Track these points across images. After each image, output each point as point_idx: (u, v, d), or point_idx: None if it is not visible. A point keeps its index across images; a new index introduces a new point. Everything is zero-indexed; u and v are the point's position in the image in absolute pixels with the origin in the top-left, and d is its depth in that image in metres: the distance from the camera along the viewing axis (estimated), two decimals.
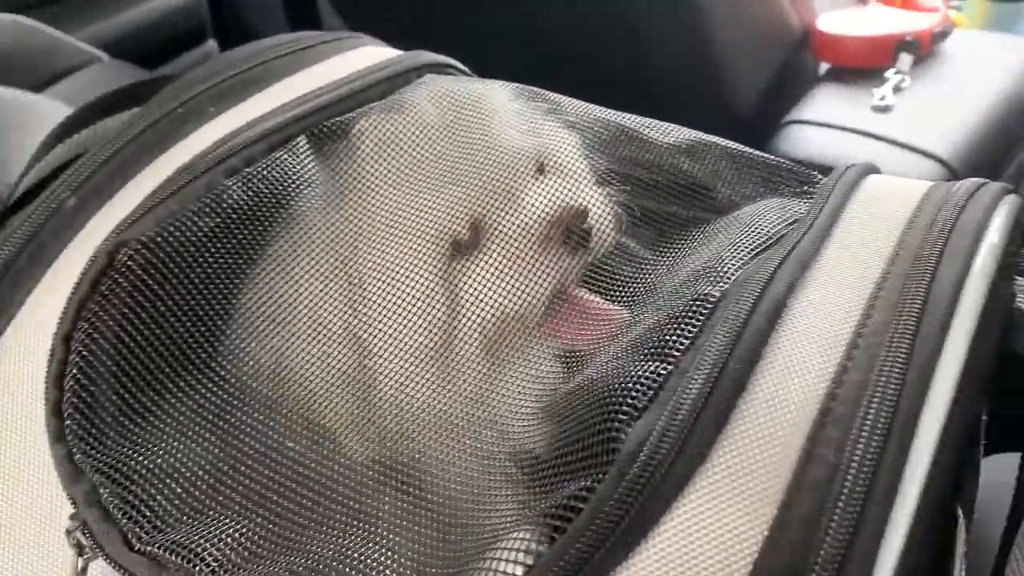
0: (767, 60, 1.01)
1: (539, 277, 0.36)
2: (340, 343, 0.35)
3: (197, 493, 0.31)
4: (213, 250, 0.36)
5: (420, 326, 0.35)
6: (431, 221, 0.36)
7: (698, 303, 0.31)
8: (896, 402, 0.26)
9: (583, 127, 0.44)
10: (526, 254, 0.36)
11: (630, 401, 0.28)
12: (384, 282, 0.35)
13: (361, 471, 0.33)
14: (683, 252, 0.39)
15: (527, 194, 0.37)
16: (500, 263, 0.36)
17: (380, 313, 0.35)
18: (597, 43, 0.98)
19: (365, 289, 0.35)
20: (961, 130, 0.92)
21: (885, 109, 0.95)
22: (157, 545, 0.29)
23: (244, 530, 0.30)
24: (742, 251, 0.34)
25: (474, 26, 1.05)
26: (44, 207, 0.38)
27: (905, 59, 0.99)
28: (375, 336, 0.35)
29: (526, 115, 0.43)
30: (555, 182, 0.38)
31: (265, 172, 0.38)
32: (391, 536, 0.30)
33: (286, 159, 0.39)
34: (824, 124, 0.96)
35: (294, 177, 0.39)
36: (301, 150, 0.40)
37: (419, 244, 0.36)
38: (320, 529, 0.30)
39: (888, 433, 0.26)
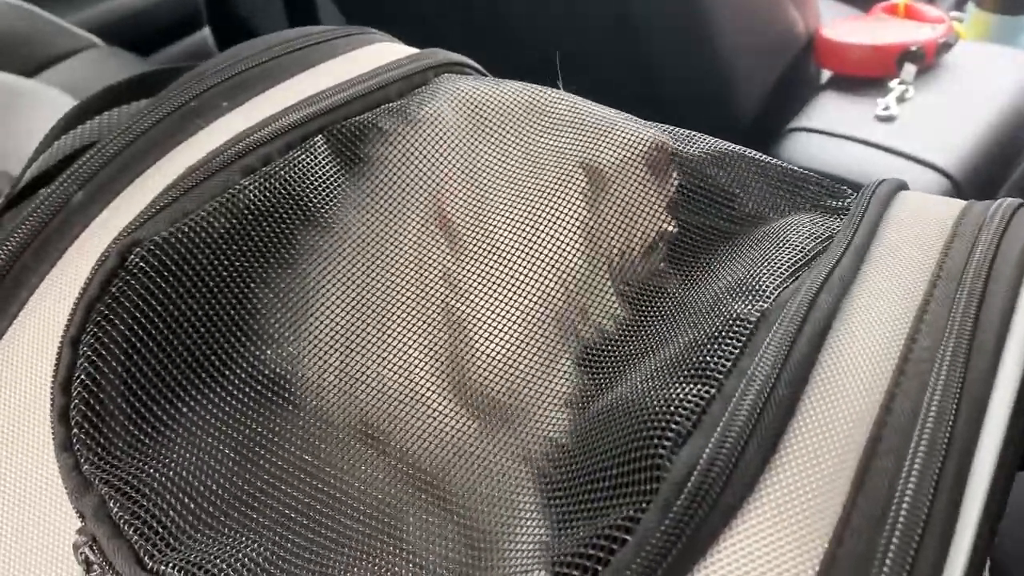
0: (772, 66, 1.00)
1: (654, 207, 0.38)
2: (414, 336, 0.34)
3: (212, 509, 0.29)
4: (229, 252, 0.34)
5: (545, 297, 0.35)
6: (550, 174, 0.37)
7: (739, 323, 0.30)
8: (952, 430, 0.25)
9: None
10: (643, 181, 0.38)
11: (674, 426, 0.27)
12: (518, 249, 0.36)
13: (389, 483, 0.31)
14: (708, 266, 0.37)
15: (620, 130, 0.39)
16: (620, 200, 0.37)
17: (484, 294, 0.35)
18: (600, 46, 0.97)
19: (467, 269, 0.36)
20: (965, 142, 0.91)
21: (888, 119, 0.94)
22: (171, 564, 0.28)
23: (263, 550, 0.28)
24: (778, 268, 0.33)
25: (475, 26, 1.04)
26: (50, 201, 0.37)
27: (909, 69, 0.98)
28: (475, 323, 0.35)
29: (547, 115, 0.42)
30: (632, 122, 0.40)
31: (282, 172, 0.37)
32: (426, 557, 0.29)
33: (304, 159, 0.38)
34: (827, 132, 0.95)
35: (313, 178, 0.37)
36: (319, 150, 0.38)
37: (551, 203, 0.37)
38: (344, 551, 0.29)
39: (944, 463, 0.25)
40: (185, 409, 0.32)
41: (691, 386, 0.28)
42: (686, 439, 0.26)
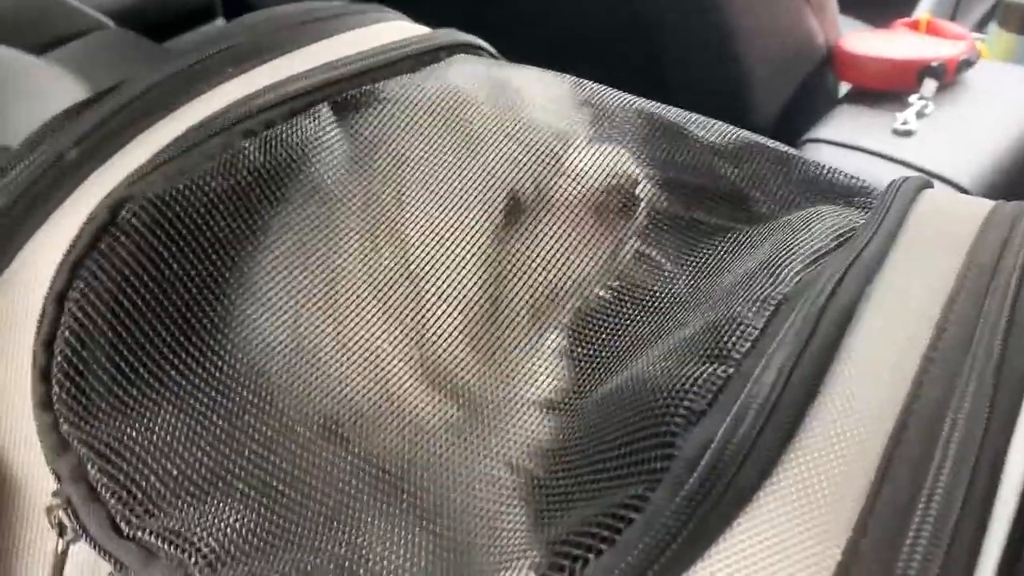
0: (790, 77, 0.98)
1: (596, 246, 0.34)
2: (377, 323, 0.32)
3: (195, 476, 0.28)
4: (225, 213, 0.33)
5: (474, 301, 0.32)
6: (480, 186, 0.34)
7: (759, 304, 0.28)
8: (987, 422, 0.24)
9: (621, 119, 0.42)
10: (582, 221, 0.34)
11: (687, 404, 0.25)
12: (434, 258, 0.33)
13: (352, 482, 0.30)
14: (721, 257, 0.36)
15: (578, 159, 0.36)
16: (555, 231, 0.34)
17: (434, 286, 0.33)
18: (614, 49, 0.96)
19: (412, 264, 0.33)
20: (983, 160, 0.89)
21: (907, 133, 0.93)
22: (148, 531, 0.26)
23: (246, 520, 0.27)
24: (801, 254, 0.32)
25: (491, 14, 1.03)
26: (43, 157, 0.35)
27: (929, 85, 0.97)
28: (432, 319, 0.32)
29: (564, 101, 0.41)
30: (605, 148, 0.36)
31: (285, 136, 0.35)
32: (407, 537, 0.27)
33: (308, 125, 0.36)
34: (844, 145, 0.93)
35: (315, 144, 0.36)
36: (324, 117, 0.37)
37: (470, 210, 0.33)
38: (329, 524, 0.27)
39: (979, 456, 0.23)
40: (173, 371, 0.30)
41: (707, 366, 0.26)
42: (700, 417, 0.25)
